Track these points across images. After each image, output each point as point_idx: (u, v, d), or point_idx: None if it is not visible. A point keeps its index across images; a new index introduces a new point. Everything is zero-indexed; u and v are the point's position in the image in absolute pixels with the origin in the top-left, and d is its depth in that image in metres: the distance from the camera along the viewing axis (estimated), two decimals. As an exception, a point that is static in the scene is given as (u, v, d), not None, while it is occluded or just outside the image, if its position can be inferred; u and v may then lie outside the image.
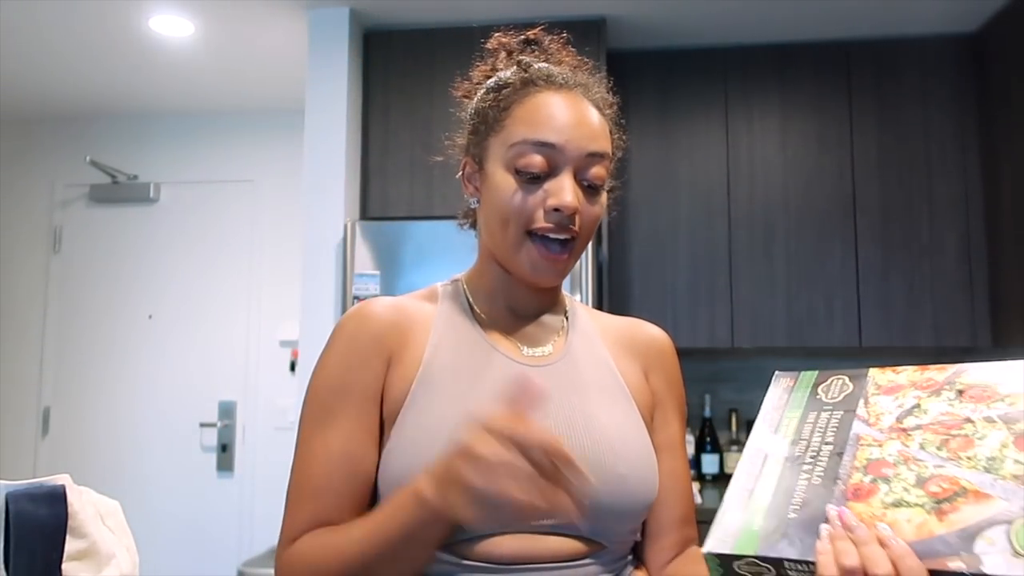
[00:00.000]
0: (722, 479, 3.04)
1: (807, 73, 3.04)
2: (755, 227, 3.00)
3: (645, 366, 0.99)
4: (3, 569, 0.76)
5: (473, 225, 1.00)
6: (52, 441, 3.79)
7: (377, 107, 2.93)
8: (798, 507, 0.72)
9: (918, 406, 0.75)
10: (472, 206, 0.97)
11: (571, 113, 0.88)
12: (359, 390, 0.87)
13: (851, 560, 0.63)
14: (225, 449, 3.69)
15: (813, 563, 0.66)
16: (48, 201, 3.93)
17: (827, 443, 0.77)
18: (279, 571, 0.84)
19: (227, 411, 3.71)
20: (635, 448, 0.88)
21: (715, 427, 3.13)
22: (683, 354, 1.04)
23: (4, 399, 3.84)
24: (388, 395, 0.88)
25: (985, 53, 2.91)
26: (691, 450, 3.10)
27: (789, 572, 0.68)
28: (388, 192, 2.88)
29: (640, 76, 3.09)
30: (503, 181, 0.88)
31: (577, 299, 1.05)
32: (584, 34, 2.79)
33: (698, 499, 2.61)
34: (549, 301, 0.98)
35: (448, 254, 2.58)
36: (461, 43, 2.81)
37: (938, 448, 0.70)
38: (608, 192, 0.96)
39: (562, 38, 0.99)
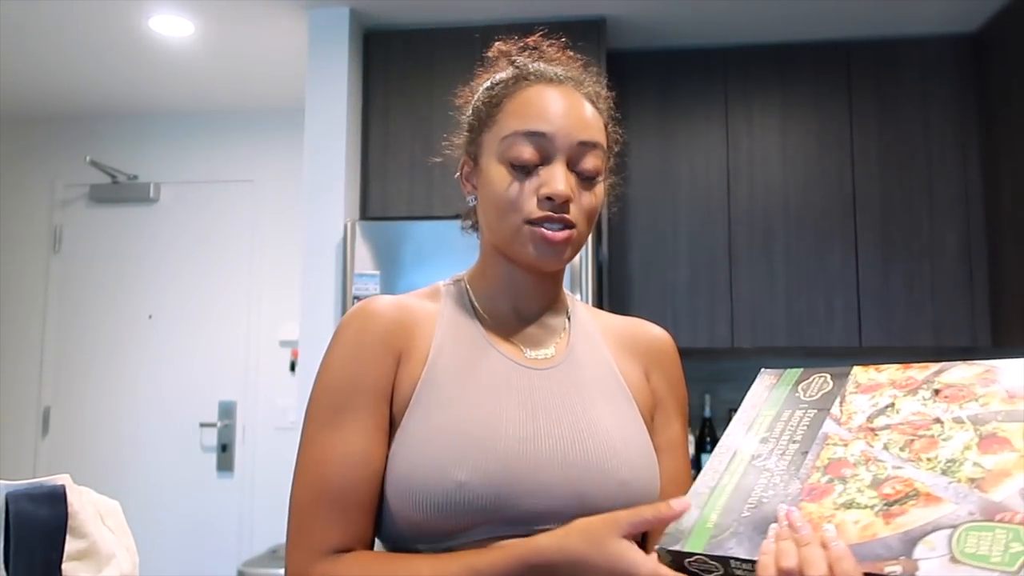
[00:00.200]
0: (722, 479, 3.04)
1: (807, 73, 3.04)
2: (755, 227, 3.00)
3: (646, 366, 0.99)
4: (3, 569, 0.76)
5: (475, 226, 1.00)
6: (52, 441, 3.80)
7: (377, 107, 2.93)
8: (753, 506, 0.72)
9: (892, 405, 0.75)
10: (471, 204, 0.98)
11: (561, 104, 0.89)
12: (371, 388, 0.86)
13: (789, 561, 0.63)
14: (225, 449, 3.69)
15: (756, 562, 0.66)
16: (48, 201, 3.93)
17: (794, 441, 0.77)
18: None
19: (227, 411, 3.71)
20: (637, 452, 0.88)
21: (715, 427, 3.13)
22: (683, 354, 1.04)
23: (4, 399, 3.84)
24: (396, 395, 0.87)
25: (985, 53, 2.91)
26: (691, 450, 3.10)
27: (735, 571, 0.68)
28: (388, 192, 2.89)
29: (640, 76, 3.09)
30: (497, 174, 0.89)
31: (577, 298, 1.05)
32: (584, 34, 2.79)
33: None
34: (551, 299, 0.98)
35: (448, 254, 2.58)
36: (461, 43, 2.81)
37: (901, 449, 0.70)
38: (609, 187, 0.96)
39: (560, 41, 0.99)
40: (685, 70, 3.09)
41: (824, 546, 0.64)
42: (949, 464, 0.66)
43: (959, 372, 0.75)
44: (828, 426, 0.76)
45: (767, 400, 0.84)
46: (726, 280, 2.99)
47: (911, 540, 0.61)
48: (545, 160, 0.88)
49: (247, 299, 3.77)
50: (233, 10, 2.85)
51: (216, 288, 3.78)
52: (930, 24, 2.93)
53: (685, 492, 0.92)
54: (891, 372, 0.78)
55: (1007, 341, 2.78)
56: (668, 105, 3.09)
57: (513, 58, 0.96)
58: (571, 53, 0.99)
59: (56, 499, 0.79)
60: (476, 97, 0.96)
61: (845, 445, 0.73)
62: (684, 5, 2.81)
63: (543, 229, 0.87)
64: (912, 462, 0.68)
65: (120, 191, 3.86)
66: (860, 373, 0.80)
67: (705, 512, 0.73)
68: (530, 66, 0.93)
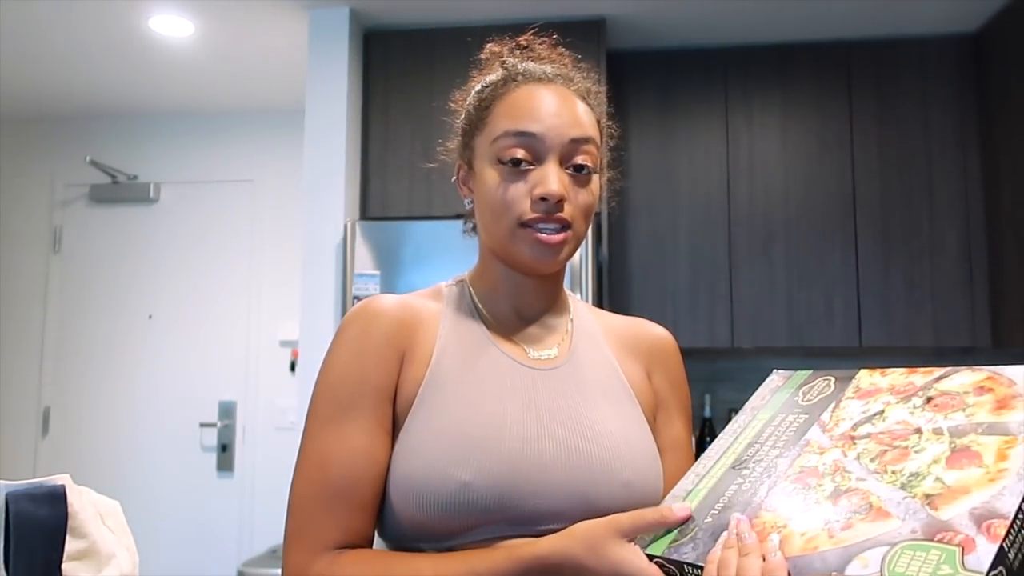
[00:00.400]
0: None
1: (807, 73, 3.04)
2: (755, 227, 3.00)
3: (648, 366, 0.98)
4: (3, 569, 0.76)
5: (475, 229, 1.00)
6: (52, 441, 3.80)
7: (377, 107, 2.93)
8: (717, 512, 0.72)
9: (881, 412, 0.73)
10: (468, 207, 0.98)
11: (551, 103, 0.88)
12: (375, 387, 0.86)
13: (728, 570, 0.64)
14: (225, 449, 3.69)
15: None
16: (48, 201, 3.94)
17: (775, 448, 0.76)
18: None
19: (227, 411, 3.71)
20: (640, 452, 0.88)
21: (715, 427, 3.13)
22: (683, 354, 1.04)
23: (4, 399, 3.84)
24: (400, 394, 0.87)
25: (985, 53, 2.91)
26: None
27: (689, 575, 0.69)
28: (388, 192, 2.89)
29: (640, 76, 3.09)
30: (490, 176, 0.89)
31: (578, 298, 1.05)
32: (584, 34, 2.79)
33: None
34: (552, 300, 0.97)
35: (448, 254, 2.58)
36: (461, 43, 2.79)
37: (872, 460, 0.69)
38: (607, 182, 0.96)
39: (552, 39, 0.99)
40: (685, 70, 3.09)
41: (763, 557, 0.64)
42: (911, 478, 0.65)
43: (960, 379, 0.72)
44: (812, 433, 0.75)
45: (766, 404, 0.84)
46: (726, 280, 2.99)
47: (848, 556, 0.60)
48: (537, 160, 0.87)
49: (247, 299, 3.77)
50: (233, 10, 2.85)
51: (216, 288, 3.78)
52: (930, 24, 2.93)
53: None
54: (895, 376, 0.77)
55: (1007, 341, 2.78)
56: (668, 105, 3.09)
57: (503, 59, 0.96)
58: (561, 50, 0.98)
59: (56, 499, 0.79)
60: (468, 101, 0.96)
61: (821, 453, 0.72)
62: (684, 5, 2.81)
63: (538, 231, 0.86)
64: (877, 474, 0.67)
65: (120, 191, 3.85)
66: (864, 377, 0.79)
67: None
68: (519, 66, 0.93)
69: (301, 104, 2.89)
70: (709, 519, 0.71)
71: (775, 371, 0.88)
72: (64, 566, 0.78)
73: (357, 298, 2.66)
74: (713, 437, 3.10)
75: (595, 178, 0.91)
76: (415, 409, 0.85)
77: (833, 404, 0.78)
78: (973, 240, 2.91)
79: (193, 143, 3.87)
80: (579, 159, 0.88)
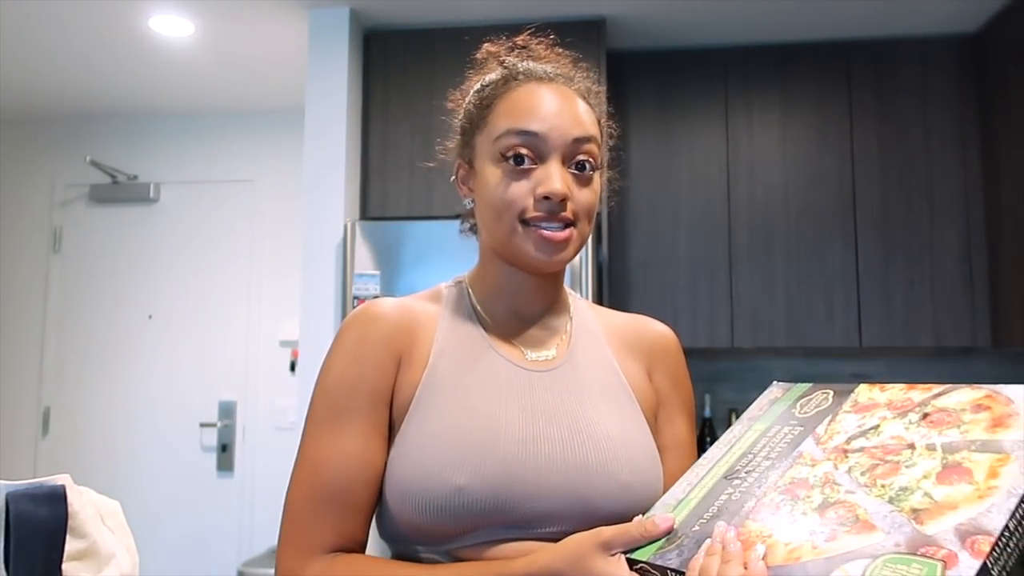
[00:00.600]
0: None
1: (807, 73, 3.04)
2: (755, 226, 3.00)
3: (649, 365, 0.98)
4: (3, 569, 0.76)
5: (473, 229, 1.00)
6: (52, 441, 3.79)
7: (377, 107, 2.93)
8: (706, 521, 0.72)
9: (876, 427, 0.73)
10: (468, 207, 0.97)
11: (553, 102, 0.88)
12: (371, 391, 0.86)
13: None
14: (225, 449, 3.69)
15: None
16: (48, 201, 3.93)
17: (768, 459, 0.76)
18: None
19: (227, 411, 3.71)
20: (639, 453, 0.88)
21: (715, 427, 3.13)
22: (683, 353, 1.04)
23: (4, 399, 3.84)
24: (396, 398, 0.87)
25: (985, 53, 2.91)
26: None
27: None
28: (388, 192, 2.89)
29: (640, 76, 3.09)
30: (491, 175, 0.89)
31: (579, 296, 1.05)
32: (584, 34, 2.79)
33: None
34: (552, 300, 0.97)
35: (448, 254, 2.58)
36: (461, 43, 2.78)
37: (862, 473, 0.69)
38: (607, 181, 0.96)
39: (550, 39, 0.99)
40: (685, 70, 3.09)
41: (745, 566, 0.64)
42: (900, 492, 0.64)
43: (958, 396, 0.72)
44: (806, 445, 0.75)
45: (763, 415, 0.84)
46: (726, 280, 2.99)
47: (830, 567, 0.60)
48: (539, 159, 0.87)
49: (247, 299, 3.77)
50: (233, 10, 2.85)
51: (216, 288, 3.78)
52: (930, 24, 2.93)
53: None
54: (894, 392, 0.77)
55: (1007, 341, 2.78)
56: (668, 105, 3.09)
57: (502, 58, 0.96)
58: (560, 50, 0.98)
59: (56, 499, 0.79)
60: (467, 100, 0.96)
61: (812, 465, 0.72)
62: (684, 5, 2.81)
63: (542, 229, 0.86)
64: (866, 487, 0.67)
65: (120, 191, 3.85)
66: (863, 392, 0.79)
67: None
68: (519, 65, 0.93)
69: (301, 104, 2.89)
70: (697, 527, 0.72)
71: (775, 382, 0.88)
72: (64, 566, 0.78)
73: (357, 298, 2.66)
74: (713, 437, 3.10)
75: (596, 177, 0.91)
76: (411, 413, 0.85)
77: (829, 417, 0.78)
78: (973, 240, 2.91)
79: (193, 143, 3.87)
80: (581, 158, 0.88)
